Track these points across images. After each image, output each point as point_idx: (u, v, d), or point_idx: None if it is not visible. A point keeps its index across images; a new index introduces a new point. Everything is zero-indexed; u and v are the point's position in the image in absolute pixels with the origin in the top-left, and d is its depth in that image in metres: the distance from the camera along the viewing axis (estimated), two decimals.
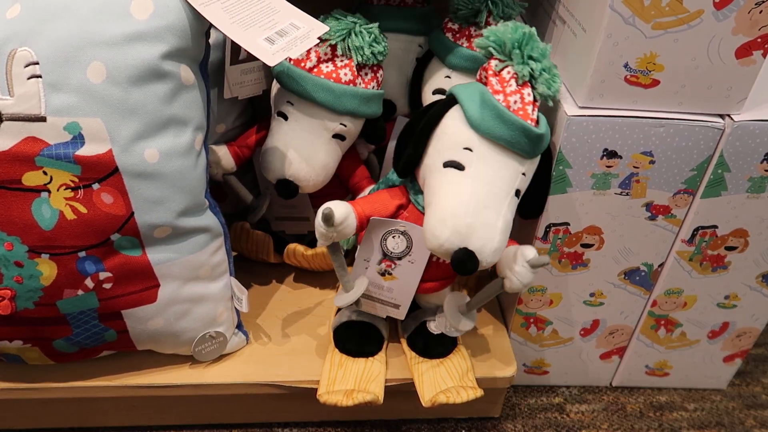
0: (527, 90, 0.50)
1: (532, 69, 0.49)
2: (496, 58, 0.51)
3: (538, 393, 0.75)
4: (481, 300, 0.56)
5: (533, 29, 0.50)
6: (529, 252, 0.51)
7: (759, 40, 0.50)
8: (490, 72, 0.51)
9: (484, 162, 0.50)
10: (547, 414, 0.72)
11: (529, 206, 0.57)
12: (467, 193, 0.49)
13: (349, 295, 0.58)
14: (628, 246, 0.61)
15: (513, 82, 0.50)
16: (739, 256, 0.62)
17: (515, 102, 0.49)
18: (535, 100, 0.50)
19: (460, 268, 0.49)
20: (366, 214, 0.56)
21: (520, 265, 0.51)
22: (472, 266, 0.49)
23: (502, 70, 0.50)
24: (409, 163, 0.54)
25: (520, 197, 0.53)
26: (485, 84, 0.51)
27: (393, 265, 0.58)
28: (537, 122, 0.51)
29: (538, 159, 0.53)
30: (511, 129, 0.49)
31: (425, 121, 0.53)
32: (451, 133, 0.51)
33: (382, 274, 0.59)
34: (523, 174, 0.51)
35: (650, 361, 0.72)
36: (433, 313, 0.63)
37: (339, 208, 0.53)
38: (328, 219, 0.52)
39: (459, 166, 0.50)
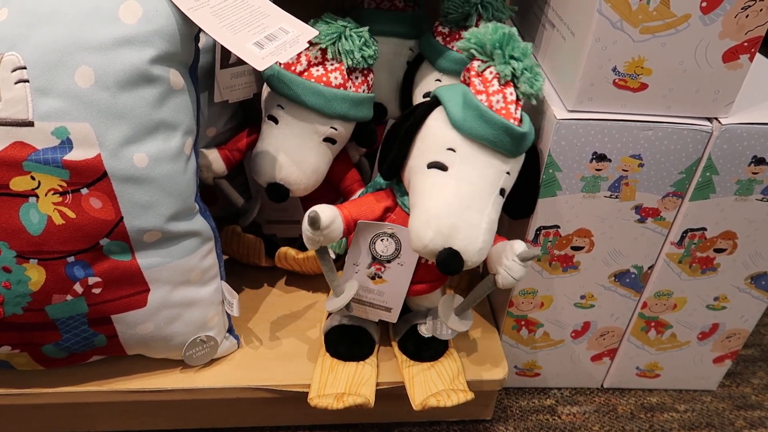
0: (510, 89, 0.50)
1: (513, 68, 0.50)
2: (478, 59, 0.51)
3: (529, 395, 0.75)
4: (475, 299, 0.56)
5: (514, 29, 0.50)
6: (519, 246, 0.51)
7: (746, 44, 0.50)
8: (473, 73, 0.51)
9: (468, 162, 0.50)
10: (538, 416, 0.72)
11: (518, 206, 0.57)
12: (450, 194, 0.49)
13: (339, 300, 0.57)
14: (618, 248, 0.61)
15: (495, 81, 0.50)
16: (727, 258, 0.62)
17: (498, 101, 0.49)
18: (518, 99, 0.50)
19: (444, 269, 0.50)
20: (353, 218, 0.56)
21: (510, 260, 0.51)
22: (457, 266, 0.49)
23: (484, 70, 0.51)
24: (394, 165, 0.54)
25: (506, 196, 0.53)
26: (468, 85, 0.52)
27: (382, 268, 0.58)
28: (520, 121, 0.51)
29: (522, 158, 0.53)
30: (493, 128, 0.49)
31: (410, 123, 0.53)
32: (435, 135, 0.51)
33: (372, 278, 0.59)
34: (507, 173, 0.51)
35: (641, 362, 0.73)
36: (423, 316, 0.63)
37: (325, 212, 0.53)
38: (314, 222, 0.52)
39: (442, 167, 0.50)
